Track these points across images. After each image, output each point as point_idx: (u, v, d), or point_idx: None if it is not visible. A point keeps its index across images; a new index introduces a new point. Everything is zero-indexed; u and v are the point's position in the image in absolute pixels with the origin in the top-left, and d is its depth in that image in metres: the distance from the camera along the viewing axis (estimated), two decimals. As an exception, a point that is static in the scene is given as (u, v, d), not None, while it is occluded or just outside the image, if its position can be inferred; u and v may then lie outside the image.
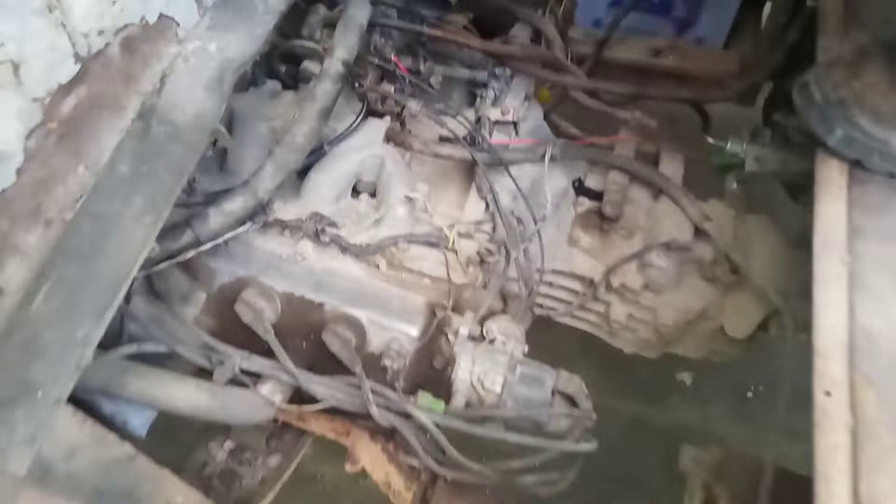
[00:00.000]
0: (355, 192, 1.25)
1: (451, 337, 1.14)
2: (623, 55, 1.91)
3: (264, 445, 1.22)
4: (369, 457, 1.16)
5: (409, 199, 1.18)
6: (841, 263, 0.95)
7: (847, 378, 0.85)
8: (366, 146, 1.23)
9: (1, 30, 0.68)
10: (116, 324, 1.01)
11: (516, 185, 1.28)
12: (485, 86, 1.43)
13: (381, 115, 1.32)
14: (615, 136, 1.51)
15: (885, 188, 1.06)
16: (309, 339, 1.11)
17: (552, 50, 1.56)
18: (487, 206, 1.27)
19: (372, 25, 1.36)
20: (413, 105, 1.28)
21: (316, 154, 1.20)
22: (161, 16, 0.93)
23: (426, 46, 1.44)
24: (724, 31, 1.90)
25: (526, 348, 1.14)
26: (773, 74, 1.74)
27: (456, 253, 1.16)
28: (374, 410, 1.01)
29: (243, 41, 1.02)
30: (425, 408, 1.03)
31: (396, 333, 1.11)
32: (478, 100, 1.43)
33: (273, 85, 1.37)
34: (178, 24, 0.96)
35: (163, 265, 0.95)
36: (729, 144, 1.71)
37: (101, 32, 0.82)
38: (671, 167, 1.46)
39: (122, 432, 0.92)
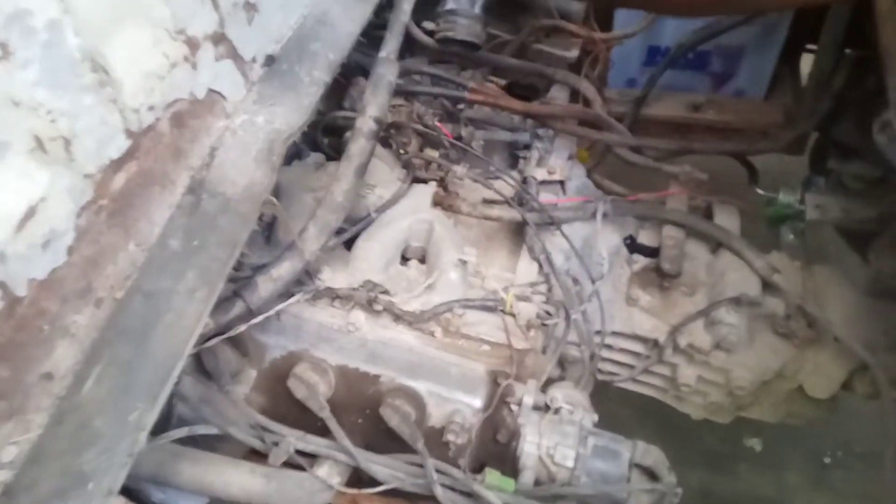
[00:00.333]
0: (404, 259, 1.22)
1: (514, 407, 1.07)
2: (662, 112, 1.90)
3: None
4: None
5: (462, 263, 1.14)
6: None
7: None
8: (413, 212, 1.20)
9: (53, 106, 0.67)
10: (166, 406, 0.96)
11: (570, 243, 1.23)
12: (528, 147, 1.42)
13: (425, 182, 1.30)
14: (663, 191, 1.47)
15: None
16: (365, 414, 1.05)
17: (593, 109, 1.55)
18: (540, 266, 1.23)
19: (413, 94, 1.37)
20: (458, 169, 1.26)
21: (363, 222, 1.17)
22: (209, 91, 0.92)
23: (463, 111, 1.43)
24: (763, 82, 1.88)
25: (596, 417, 1.07)
26: (820, 123, 1.71)
27: (514, 316, 1.11)
28: (440, 491, 0.93)
29: (290, 113, 1.01)
30: (494, 487, 0.95)
31: (458, 405, 1.04)
32: (521, 161, 1.41)
33: (317, 157, 1.37)
34: (225, 99, 0.96)
35: (214, 341, 0.91)
36: (781, 195, 1.67)
37: (151, 108, 0.81)
38: (727, 219, 1.40)
39: (173, 523, 0.87)
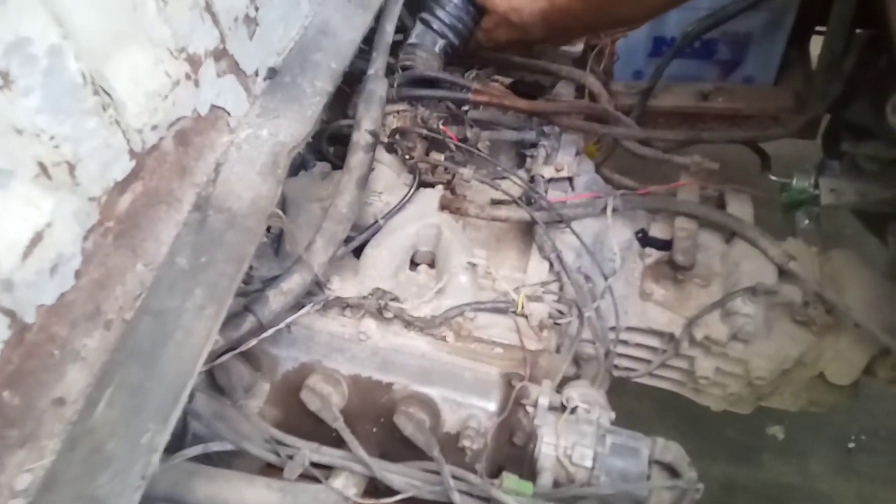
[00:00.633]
0: (414, 264, 1.21)
1: (529, 409, 1.06)
2: (670, 102, 1.88)
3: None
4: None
5: (471, 266, 1.13)
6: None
7: None
8: (420, 216, 1.20)
9: (56, 132, 0.67)
10: (180, 424, 0.97)
11: (581, 241, 1.22)
12: (534, 145, 1.40)
13: (432, 186, 1.30)
14: (674, 183, 1.45)
15: None
16: (379, 423, 1.04)
17: (599, 103, 1.53)
18: (551, 265, 1.22)
19: (417, 98, 1.36)
20: (465, 171, 1.25)
21: (371, 229, 1.17)
22: (212, 107, 0.93)
23: (468, 113, 1.43)
24: (772, 68, 1.84)
25: (613, 415, 1.05)
26: (831, 105, 1.68)
27: (526, 317, 1.10)
28: (457, 498, 0.93)
29: (294, 124, 1.02)
30: (512, 491, 0.94)
31: (473, 410, 1.03)
32: (528, 160, 1.40)
33: (323, 167, 1.37)
34: (228, 114, 0.96)
35: (226, 357, 0.92)
36: (795, 180, 1.64)
37: (154, 127, 0.82)
38: (740, 208, 1.38)
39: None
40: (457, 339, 1.10)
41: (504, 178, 1.31)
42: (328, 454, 0.98)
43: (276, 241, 1.19)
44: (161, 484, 0.87)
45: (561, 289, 1.19)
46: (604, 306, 1.22)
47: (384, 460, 0.99)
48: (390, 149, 1.31)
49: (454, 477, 0.94)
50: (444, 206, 1.26)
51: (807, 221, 1.69)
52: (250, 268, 1.06)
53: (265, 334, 0.95)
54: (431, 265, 1.20)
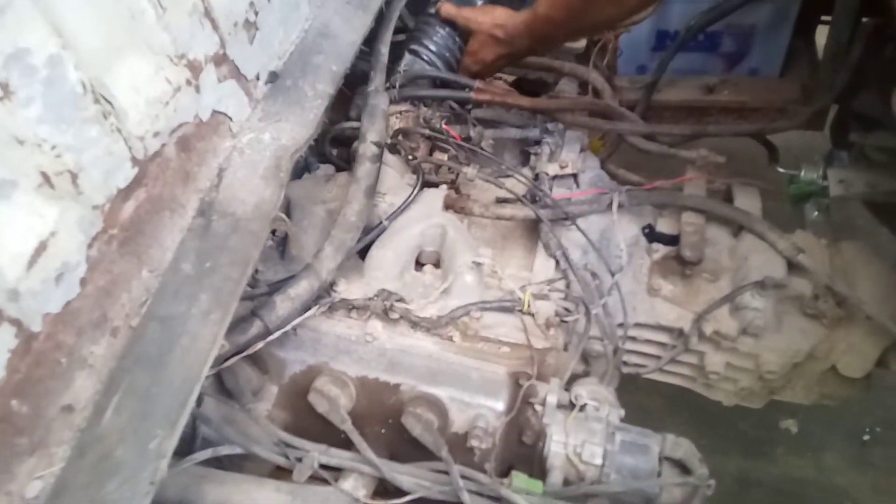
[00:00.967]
0: (419, 264, 1.21)
1: (538, 408, 1.06)
2: (675, 96, 1.87)
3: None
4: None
5: (477, 265, 1.13)
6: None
7: None
8: (425, 217, 1.20)
9: (58, 141, 0.67)
10: (189, 428, 0.98)
11: (587, 237, 1.22)
12: (538, 143, 1.40)
13: (436, 186, 1.29)
14: (680, 177, 1.44)
15: None
16: (387, 424, 1.04)
17: (603, 99, 1.53)
18: (557, 263, 1.21)
19: (420, 98, 1.36)
20: (469, 170, 1.25)
21: (376, 230, 1.17)
22: (214, 112, 0.93)
23: (471, 112, 1.42)
24: (778, 59, 1.83)
25: (622, 412, 1.05)
26: (839, 95, 1.66)
27: (533, 316, 1.10)
28: (467, 498, 0.92)
29: (296, 128, 1.02)
30: (522, 490, 0.94)
31: (481, 410, 1.03)
32: (532, 158, 1.39)
33: (326, 169, 1.37)
34: (230, 119, 0.96)
35: (233, 360, 0.92)
36: (803, 172, 1.63)
37: (156, 134, 0.82)
38: (748, 201, 1.37)
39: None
40: (463, 339, 1.10)
41: (508, 176, 1.30)
42: (337, 456, 0.98)
43: (281, 245, 1.19)
44: (171, 488, 0.88)
45: (568, 286, 1.18)
46: (611, 303, 1.22)
47: (393, 461, 0.99)
48: (393, 149, 1.31)
49: (463, 477, 0.94)
50: (448, 206, 1.26)
51: (816, 213, 1.67)
52: (256, 271, 1.07)
53: (271, 337, 0.95)
54: (437, 265, 1.20)
